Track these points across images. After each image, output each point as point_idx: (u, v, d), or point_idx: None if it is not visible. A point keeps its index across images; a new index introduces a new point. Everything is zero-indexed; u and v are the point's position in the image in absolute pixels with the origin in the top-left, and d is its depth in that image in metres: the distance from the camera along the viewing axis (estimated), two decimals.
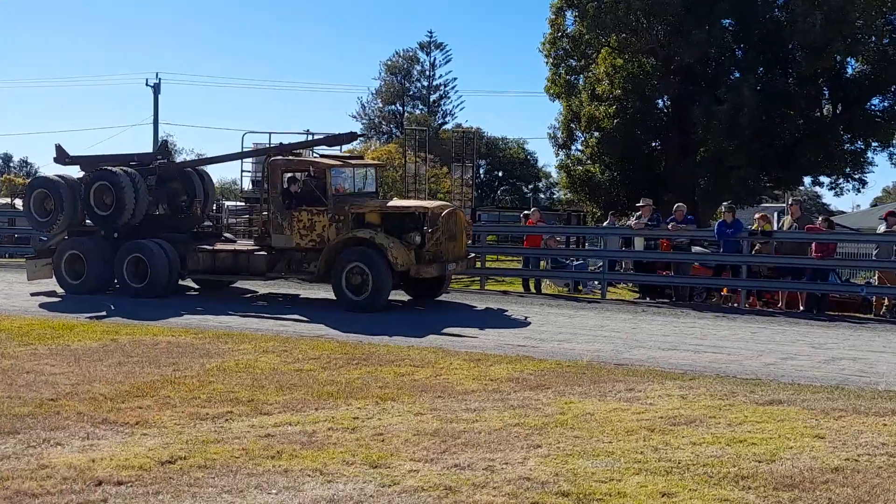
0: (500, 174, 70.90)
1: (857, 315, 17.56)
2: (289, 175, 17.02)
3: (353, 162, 18.16)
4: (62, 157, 18.84)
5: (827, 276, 18.30)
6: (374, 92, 78.08)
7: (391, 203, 17.38)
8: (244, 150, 22.51)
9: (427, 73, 78.39)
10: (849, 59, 28.65)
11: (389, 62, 77.95)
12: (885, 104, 29.18)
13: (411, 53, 78.31)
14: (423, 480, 6.36)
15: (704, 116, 27.12)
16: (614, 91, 30.55)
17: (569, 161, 33.88)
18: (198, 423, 7.82)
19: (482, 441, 7.40)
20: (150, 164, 18.64)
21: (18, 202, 36.10)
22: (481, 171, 63.88)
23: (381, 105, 77.76)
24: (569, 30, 31.68)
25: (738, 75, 28.11)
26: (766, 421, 8.22)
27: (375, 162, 19.75)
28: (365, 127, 74.03)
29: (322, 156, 17.77)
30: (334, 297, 16.23)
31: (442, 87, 78.30)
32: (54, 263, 17.86)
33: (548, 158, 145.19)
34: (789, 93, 27.29)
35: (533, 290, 20.52)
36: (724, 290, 19.93)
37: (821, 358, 12.12)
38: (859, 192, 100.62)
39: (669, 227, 18.97)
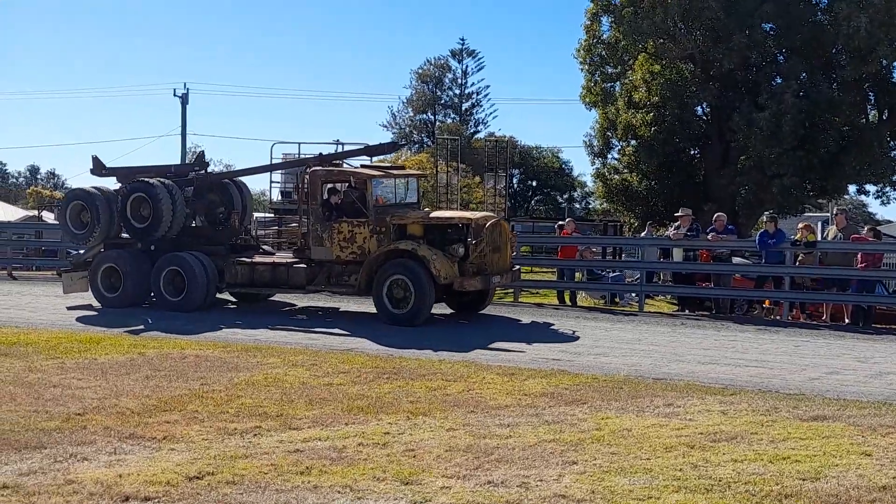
0: (534, 184, 70.52)
1: None
2: (329, 186, 16.76)
3: (394, 172, 17.79)
4: (99, 168, 18.77)
5: (874, 288, 17.88)
6: (404, 101, 78.02)
7: (434, 214, 17.11)
8: (273, 160, 22.36)
9: (459, 81, 78.20)
10: (895, 64, 28.11)
11: (420, 70, 77.91)
12: None
13: (443, 61, 78.16)
14: (455, 497, 6.23)
15: (745, 124, 26.74)
16: (652, 98, 30.22)
17: (605, 170, 33.57)
18: (226, 438, 7.72)
19: (516, 457, 7.24)
20: (188, 175, 18.58)
21: (46, 214, 36.58)
22: (515, 180, 63.62)
23: (412, 114, 77.65)
24: (605, 36, 31.42)
25: (779, 81, 27.62)
26: (811, 437, 7.97)
27: (417, 172, 19.60)
28: (396, 136, 73.90)
29: (363, 166, 17.56)
30: (374, 311, 15.97)
31: (474, 96, 78.09)
32: (90, 276, 17.79)
33: (583, 167, 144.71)
34: (833, 99, 26.81)
35: (568, 302, 20.26)
36: (767, 302, 19.60)
37: (867, 372, 11.79)
38: None
39: (709, 237, 18.66)
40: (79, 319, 16.07)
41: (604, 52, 31.62)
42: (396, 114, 77.86)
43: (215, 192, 18.80)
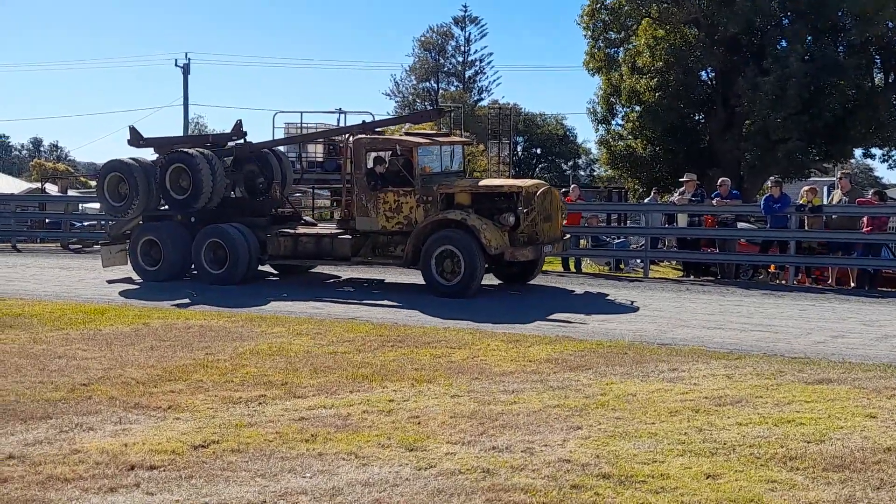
0: (539, 151, 70.15)
1: None
2: (374, 155, 16.37)
3: (440, 139, 17.17)
4: (136, 139, 18.40)
5: (879, 251, 17.81)
6: (407, 69, 77.53)
7: (483, 182, 16.59)
8: (275, 130, 21.97)
9: (462, 48, 77.59)
10: None
11: (423, 38, 77.29)
12: None
13: (445, 29, 77.54)
14: (460, 463, 6.23)
15: (750, 88, 26.58)
16: (656, 63, 30.01)
17: (609, 136, 33.39)
18: (231, 407, 7.72)
19: (520, 423, 7.25)
20: (226, 145, 18.21)
21: (49, 187, 36.53)
22: (519, 148, 63.37)
23: (415, 82, 77.16)
24: (608, 1, 31.14)
25: (784, 45, 27.40)
26: (815, 400, 7.97)
27: (463, 139, 18.99)
28: (399, 105, 73.65)
29: (407, 133, 17.19)
30: (421, 283, 15.70)
31: (477, 63, 77.49)
32: (130, 250, 17.59)
33: (587, 134, 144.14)
34: (838, 62, 26.60)
35: (573, 269, 20.23)
36: (772, 266, 19.56)
37: (873, 335, 11.78)
38: None
39: (714, 202, 18.59)
40: (122, 293, 15.82)
41: (607, 18, 31.35)
42: (399, 82, 77.46)
43: (254, 163, 18.38)
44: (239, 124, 17.99)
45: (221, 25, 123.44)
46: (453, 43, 78.03)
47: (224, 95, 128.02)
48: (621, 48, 32.22)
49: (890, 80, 28.79)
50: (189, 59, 53.08)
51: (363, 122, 17.62)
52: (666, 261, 22.09)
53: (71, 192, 32.12)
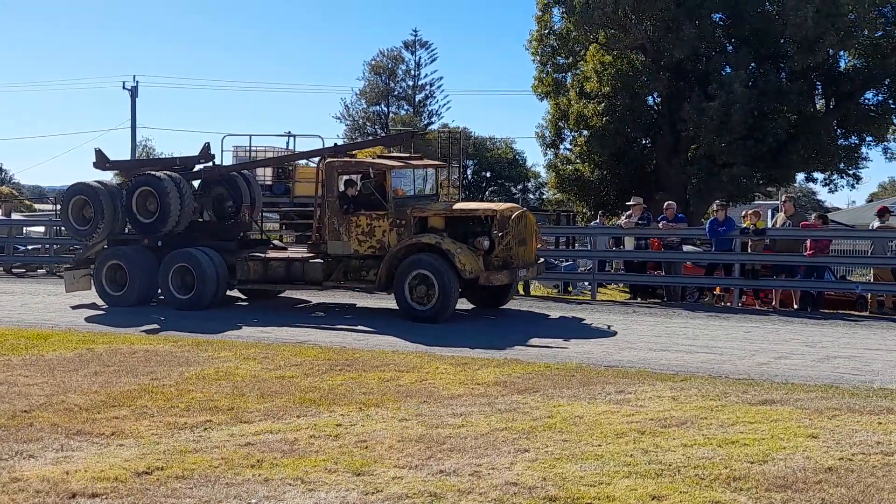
0: (489, 175, 70.40)
1: (853, 313, 17.39)
2: (346, 177, 16.21)
3: (413, 163, 17.11)
4: (102, 161, 18.09)
5: (822, 274, 18.13)
6: (357, 92, 77.65)
7: (457, 206, 16.45)
8: (224, 153, 21.75)
9: (412, 72, 77.78)
10: (841, 53, 28.43)
11: (373, 62, 77.40)
12: (879, 98, 29.00)
13: (396, 53, 77.73)
14: (407, 487, 6.21)
15: (695, 113, 26.95)
16: (603, 88, 30.35)
17: (557, 160, 33.64)
18: (176, 433, 7.63)
19: (468, 446, 7.24)
20: (193, 168, 17.92)
21: None
22: (469, 171, 63.50)
23: (365, 106, 77.28)
24: (556, 27, 31.47)
25: (729, 71, 27.86)
26: (759, 421, 8.07)
27: (437, 163, 18.89)
28: (349, 128, 73.64)
29: (378, 156, 17.06)
30: (393, 307, 15.57)
31: (427, 87, 77.73)
32: (95, 274, 17.22)
33: (536, 158, 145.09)
34: (781, 88, 27.10)
35: (521, 291, 20.27)
36: (717, 289, 19.79)
37: (815, 357, 11.98)
38: (854, 187, 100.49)
39: (660, 225, 18.81)
40: (88, 319, 15.53)
41: (555, 43, 31.68)
42: (349, 106, 77.46)
43: (223, 185, 18.14)
44: (207, 147, 17.78)
45: (170, 48, 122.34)
46: (403, 67, 78.24)
47: (172, 118, 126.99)
48: (569, 73, 32.56)
49: (831, 106, 29.40)
50: (137, 81, 52.44)
51: (335, 144, 17.42)
52: (613, 283, 22.25)
53: (15, 216, 31.55)
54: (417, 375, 10.18)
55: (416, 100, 77.20)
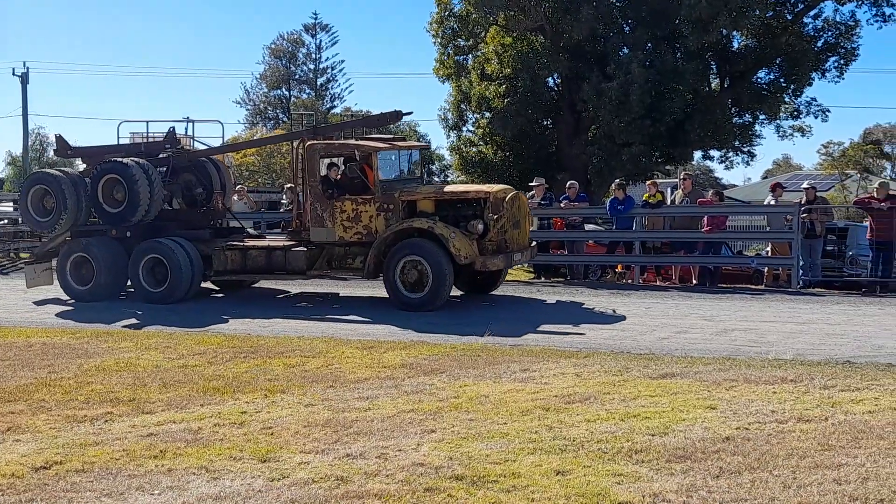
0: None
1: (749, 286, 17.87)
2: (327, 161, 15.49)
3: (399, 144, 16.39)
4: (64, 148, 17.33)
5: (719, 249, 18.58)
6: (258, 77, 76.95)
7: (447, 188, 15.78)
8: (120, 140, 20.82)
9: (313, 56, 77.44)
10: (734, 33, 29.08)
11: (273, 46, 76.86)
12: (771, 77, 29.69)
13: (296, 36, 77.28)
14: (313, 472, 6.20)
15: (595, 94, 27.26)
16: (504, 70, 30.46)
17: (460, 143, 33.67)
18: (75, 426, 7.48)
19: (375, 429, 7.26)
20: (159, 153, 17.03)
21: None
22: None
23: (266, 90, 76.65)
24: (456, 9, 31.43)
25: (626, 52, 28.21)
26: (660, 394, 8.25)
27: (421, 144, 17.89)
28: (250, 113, 72.89)
29: (361, 138, 16.37)
30: (379, 295, 15.09)
31: (329, 71, 77.45)
32: (58, 268, 16.31)
33: (440, 140, 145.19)
34: (678, 68, 27.54)
35: None
36: (619, 266, 20.11)
37: (713, 330, 12.27)
38: (748, 164, 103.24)
39: (562, 205, 19.03)
40: (59, 315, 14.76)
41: (456, 25, 31.64)
42: (250, 90, 76.68)
43: (191, 172, 17.33)
44: (172, 132, 16.93)
45: (61, 32, 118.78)
46: (304, 50, 77.77)
47: (66, 105, 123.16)
48: (470, 55, 32.58)
49: (725, 86, 30.05)
50: (27, 67, 50.69)
51: (314, 125, 16.60)
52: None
53: None
54: (323, 360, 10.15)
55: (318, 83, 76.72)
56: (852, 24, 28.45)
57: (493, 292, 16.10)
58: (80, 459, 6.52)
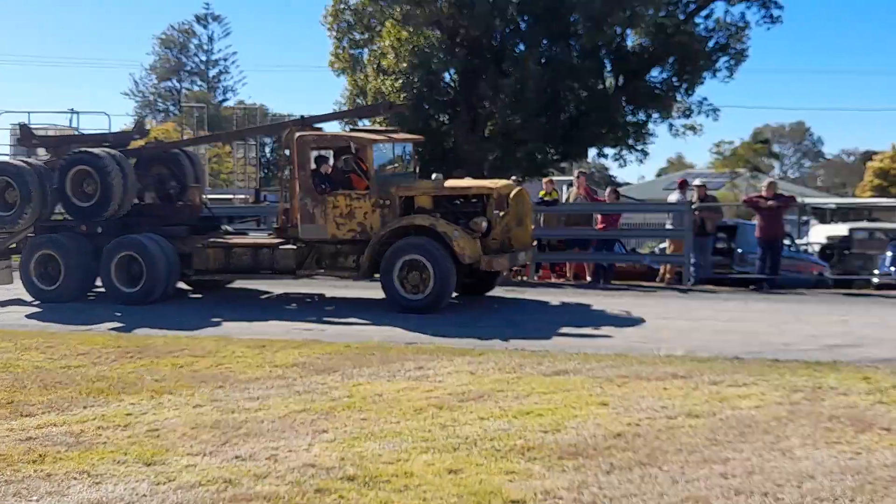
0: (288, 153, 69.75)
1: (642, 283, 18.14)
2: (319, 153, 14.66)
3: (395, 136, 15.62)
4: (28, 138, 16.34)
5: (612, 247, 18.83)
6: (147, 68, 75.55)
7: (448, 183, 14.85)
8: (7, 131, 20.17)
9: (205, 47, 76.40)
10: (628, 32, 29.61)
11: (164, 36, 75.65)
12: (664, 76, 30.38)
13: (187, 26, 76.19)
14: (201, 475, 6.05)
15: (491, 90, 27.43)
16: (400, 65, 30.34)
17: None
18: None
19: (265, 430, 7.12)
20: (128, 144, 16.16)
21: None
22: (267, 149, 62.61)
23: (156, 81, 75.30)
24: (352, 2, 31.25)
25: (522, 48, 28.46)
26: (553, 391, 8.27)
27: (416, 136, 17.30)
28: (140, 105, 71.41)
29: (353, 129, 15.71)
30: (369, 296, 14.62)
31: (221, 62, 76.59)
32: (21, 266, 15.25)
33: None
34: (573, 65, 27.91)
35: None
36: None
37: (607, 326, 12.38)
38: (642, 162, 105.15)
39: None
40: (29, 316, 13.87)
41: (351, 19, 31.47)
42: (139, 81, 75.13)
43: (164, 165, 16.48)
44: (141, 122, 16.24)
45: None
46: (196, 41, 76.56)
47: None
48: (366, 49, 32.41)
49: (619, 84, 30.55)
50: None
51: (302, 116, 15.79)
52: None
53: None
54: (213, 360, 9.91)
55: (210, 75, 75.65)
56: (742, 24, 29.38)
57: (488, 293, 15.46)
58: None
